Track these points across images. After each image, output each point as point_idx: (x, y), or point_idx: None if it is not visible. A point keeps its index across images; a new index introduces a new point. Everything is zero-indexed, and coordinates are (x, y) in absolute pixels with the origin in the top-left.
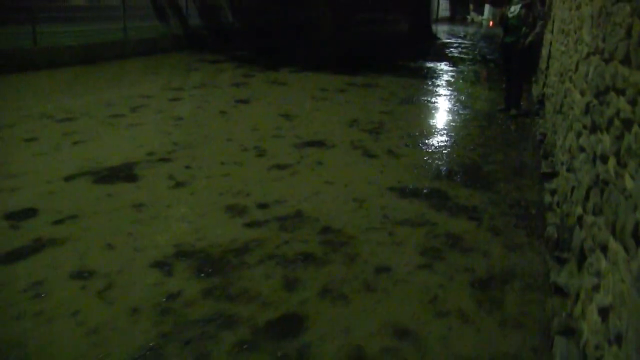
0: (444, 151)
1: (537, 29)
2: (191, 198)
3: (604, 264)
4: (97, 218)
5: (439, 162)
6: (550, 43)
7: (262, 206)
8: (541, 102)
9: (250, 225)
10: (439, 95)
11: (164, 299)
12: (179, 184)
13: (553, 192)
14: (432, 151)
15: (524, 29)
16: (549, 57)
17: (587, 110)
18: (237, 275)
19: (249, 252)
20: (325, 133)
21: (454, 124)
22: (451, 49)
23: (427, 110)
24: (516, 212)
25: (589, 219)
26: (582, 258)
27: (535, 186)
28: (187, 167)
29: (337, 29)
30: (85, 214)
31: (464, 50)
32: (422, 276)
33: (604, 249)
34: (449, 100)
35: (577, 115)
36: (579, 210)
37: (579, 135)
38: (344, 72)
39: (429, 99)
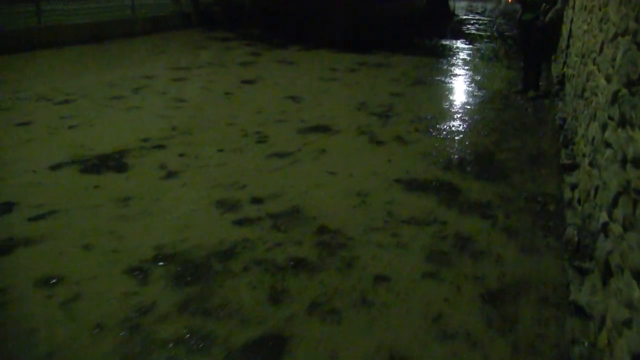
0: (456, 137)
1: (558, 5)
2: (182, 190)
3: (637, 294)
4: (78, 213)
5: (451, 150)
6: (572, 20)
7: (256, 201)
8: (561, 83)
9: (241, 223)
10: (454, 75)
11: (135, 313)
12: (170, 174)
13: (573, 187)
14: (444, 137)
15: (543, 5)
16: (570, 35)
17: (614, 100)
18: (218, 285)
19: (236, 257)
20: (331, 117)
21: (468, 106)
22: (468, 26)
23: (440, 91)
24: (533, 208)
25: (616, 229)
26: (607, 273)
27: (554, 178)
28: (182, 154)
29: (350, 5)
30: (66, 208)
31: (481, 27)
32: (427, 287)
33: (638, 276)
34: (463, 81)
35: (602, 103)
36: (603, 216)
37: (604, 127)
38: (355, 51)
39: (443, 79)
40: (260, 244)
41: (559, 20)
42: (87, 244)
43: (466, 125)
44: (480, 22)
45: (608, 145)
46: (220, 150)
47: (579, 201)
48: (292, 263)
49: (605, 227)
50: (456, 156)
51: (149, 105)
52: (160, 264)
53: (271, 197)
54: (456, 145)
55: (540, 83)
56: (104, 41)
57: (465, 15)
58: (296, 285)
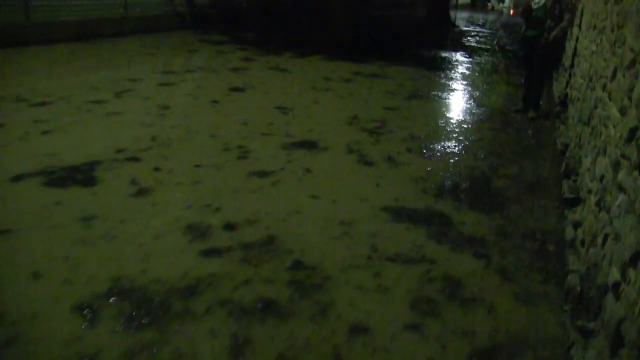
0: (450, 160)
1: (564, 23)
2: (151, 211)
3: None
4: (34, 235)
5: (444, 174)
6: (577, 38)
7: (230, 227)
8: (563, 104)
9: (209, 254)
10: (451, 89)
11: None
12: (141, 192)
13: (576, 225)
14: (437, 159)
15: (548, 21)
16: (575, 54)
17: (631, 138)
18: (175, 330)
19: (198, 295)
20: (320, 131)
21: (464, 125)
22: (468, 38)
23: (436, 107)
24: (531, 247)
25: (630, 294)
26: (617, 343)
27: (555, 212)
28: (157, 169)
29: (350, 12)
30: (21, 228)
31: (481, 39)
32: (408, 342)
33: None
34: (461, 96)
35: (614, 138)
36: (614, 273)
37: (616, 166)
38: (351, 59)
39: (440, 93)
40: (227, 280)
41: (563, 37)
42: (37, 272)
43: (462, 146)
44: (481, 34)
45: (622, 189)
46: (198, 166)
47: (582, 243)
48: (260, 306)
49: (616, 288)
50: (450, 182)
51: (130, 111)
52: (114, 300)
53: (246, 224)
54: (450, 168)
55: (541, 102)
56: (94, 40)
57: (466, 26)
58: (262, 334)
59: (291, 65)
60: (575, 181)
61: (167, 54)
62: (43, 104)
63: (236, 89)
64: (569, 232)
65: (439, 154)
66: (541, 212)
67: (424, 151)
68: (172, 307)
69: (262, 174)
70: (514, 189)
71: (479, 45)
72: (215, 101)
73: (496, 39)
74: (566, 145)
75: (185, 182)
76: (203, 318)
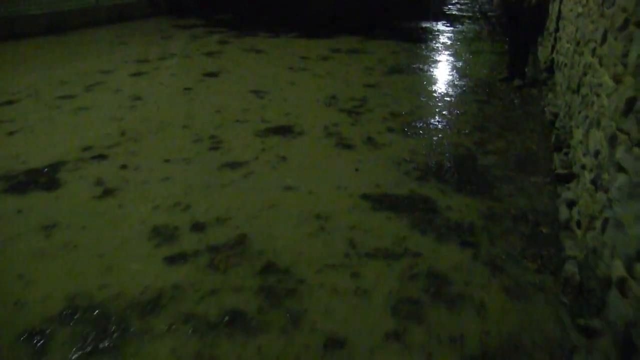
0: (434, 137)
1: None
2: (115, 214)
3: None
4: None
5: (428, 154)
6: (561, 0)
7: (198, 228)
8: (549, 70)
9: (174, 260)
10: (433, 61)
11: None
12: (106, 193)
13: (571, 204)
14: (420, 137)
15: None
16: (559, 17)
17: (628, 109)
18: (132, 353)
19: (160, 310)
20: (297, 115)
21: (448, 98)
22: (449, 6)
23: (418, 81)
24: (522, 231)
25: (639, 291)
26: (628, 350)
27: (547, 189)
28: (124, 166)
29: None
30: None
31: (463, 6)
32: (390, 355)
33: None
34: (444, 68)
35: (608, 109)
36: (619, 267)
37: (612, 140)
38: (329, 36)
39: (422, 66)
40: (192, 291)
41: (546, 1)
42: None
43: (445, 122)
44: (462, 1)
45: (621, 168)
46: (167, 161)
47: (578, 225)
48: (227, 319)
49: (622, 284)
50: (434, 162)
51: (100, 105)
52: (68, 322)
53: (215, 223)
54: (434, 147)
55: (527, 70)
56: (65, 33)
57: None
58: (228, 352)
59: (267, 46)
60: (567, 154)
61: (140, 43)
62: (9, 102)
63: (210, 74)
64: (563, 212)
65: (421, 131)
66: (532, 190)
67: (406, 129)
68: (132, 326)
69: (235, 165)
70: (502, 166)
71: (460, 13)
72: (188, 89)
73: (478, 6)
74: (555, 115)
75: (153, 179)
76: (165, 337)
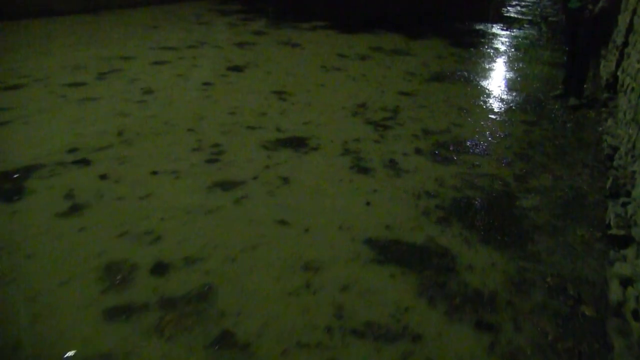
0: (467, 165)
1: None
2: (73, 240)
3: None
4: None
5: (456, 187)
6: (634, 11)
7: (160, 270)
8: (611, 88)
9: (116, 315)
10: (482, 69)
11: None
12: (73, 210)
13: (625, 282)
14: (451, 164)
15: None
16: (630, 30)
17: None
18: None
19: None
20: (317, 124)
21: (492, 116)
22: (508, 7)
23: (461, 92)
24: (558, 310)
25: None
26: None
27: (596, 247)
28: (104, 177)
29: None
30: None
31: (523, 8)
32: None
33: None
34: (492, 78)
35: None
36: None
37: None
38: (373, 32)
39: (467, 74)
40: None
41: (612, 9)
42: None
43: (484, 145)
44: (523, 3)
45: None
46: (155, 173)
47: (635, 315)
48: None
49: None
50: (462, 199)
51: (108, 96)
52: None
53: (183, 265)
54: (465, 178)
55: (585, 87)
56: (100, 12)
57: None
58: None
59: (305, 40)
60: (625, 206)
61: (173, 28)
62: (16, 87)
63: (235, 69)
64: (615, 291)
65: (454, 156)
66: (578, 249)
67: (436, 152)
68: None
69: (228, 185)
70: (544, 211)
71: (519, 16)
72: (207, 83)
73: (539, 9)
74: (614, 149)
75: (132, 196)
76: None
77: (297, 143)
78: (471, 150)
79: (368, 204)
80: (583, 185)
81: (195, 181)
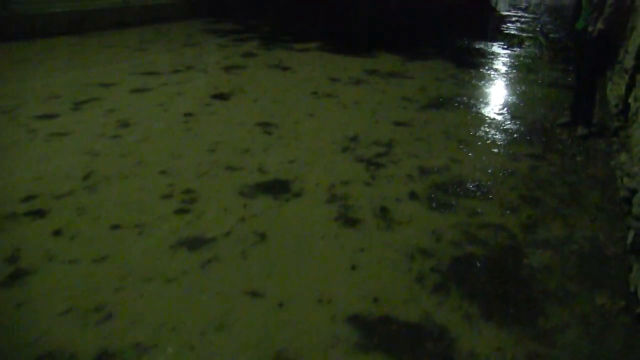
0: (468, 212)
1: (606, 13)
2: (8, 319)
3: None
4: None
5: (455, 243)
6: None
7: None
8: (622, 114)
9: None
10: (482, 94)
11: None
12: (13, 278)
13: None
14: (449, 212)
15: (591, 11)
16: None
17: None
18: None
19: None
20: (303, 163)
21: (494, 149)
22: (508, 24)
23: (460, 121)
24: None
25: None
26: None
27: (619, 322)
28: (58, 232)
29: None
30: None
31: (523, 25)
32: None
33: None
34: (493, 103)
35: None
36: None
37: None
38: (369, 53)
39: (467, 100)
40: None
41: (611, 31)
42: None
43: (487, 187)
44: (523, 19)
45: None
46: (116, 228)
47: None
48: None
49: None
50: (462, 258)
51: (81, 131)
52: None
53: (132, 355)
54: (465, 230)
55: (594, 114)
56: (86, 33)
57: (507, 10)
58: None
59: (296, 62)
60: None
61: (160, 50)
62: None
63: (220, 97)
64: None
65: (453, 201)
66: (597, 323)
67: (433, 196)
68: None
69: (196, 244)
70: (556, 271)
71: (519, 34)
72: (189, 114)
73: (539, 26)
74: (632, 192)
75: (85, 258)
76: None
77: (278, 187)
78: (472, 193)
79: (353, 267)
80: (600, 234)
81: (159, 238)
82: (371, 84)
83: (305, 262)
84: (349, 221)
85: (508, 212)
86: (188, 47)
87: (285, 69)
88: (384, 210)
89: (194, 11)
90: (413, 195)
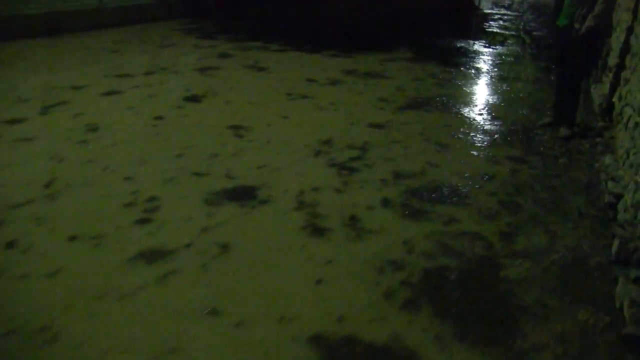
0: (443, 220)
1: (597, 9)
2: None
3: None
4: None
5: (428, 254)
6: (630, 29)
7: None
8: (606, 114)
9: None
10: (462, 94)
11: None
12: None
13: None
14: (424, 220)
15: (578, 9)
16: (627, 50)
17: None
18: None
19: None
20: (272, 168)
21: (473, 152)
22: (491, 22)
23: (439, 121)
24: None
25: None
26: None
27: (604, 345)
28: (11, 244)
29: None
30: None
31: (506, 23)
32: None
33: None
34: (474, 103)
35: None
36: None
37: None
38: (347, 54)
39: (447, 100)
40: None
41: (601, 29)
42: None
43: (464, 192)
44: (506, 17)
45: None
46: (72, 239)
47: None
48: None
49: None
50: (435, 272)
51: (47, 135)
52: None
53: None
54: (440, 240)
55: (577, 115)
56: (61, 35)
57: (490, 8)
58: None
59: (273, 62)
60: (638, 282)
61: (134, 52)
62: None
63: (193, 99)
64: None
65: (428, 208)
66: (579, 344)
67: (407, 204)
68: None
69: (154, 256)
70: (534, 285)
71: (501, 32)
72: (159, 117)
73: (522, 23)
74: (617, 197)
75: (37, 272)
76: None
77: (246, 194)
78: (448, 199)
79: (319, 282)
80: (583, 243)
81: (117, 250)
82: (348, 85)
83: (268, 276)
84: (317, 231)
85: (486, 219)
86: (163, 49)
87: (261, 69)
88: (354, 219)
89: (172, 12)
90: (386, 202)
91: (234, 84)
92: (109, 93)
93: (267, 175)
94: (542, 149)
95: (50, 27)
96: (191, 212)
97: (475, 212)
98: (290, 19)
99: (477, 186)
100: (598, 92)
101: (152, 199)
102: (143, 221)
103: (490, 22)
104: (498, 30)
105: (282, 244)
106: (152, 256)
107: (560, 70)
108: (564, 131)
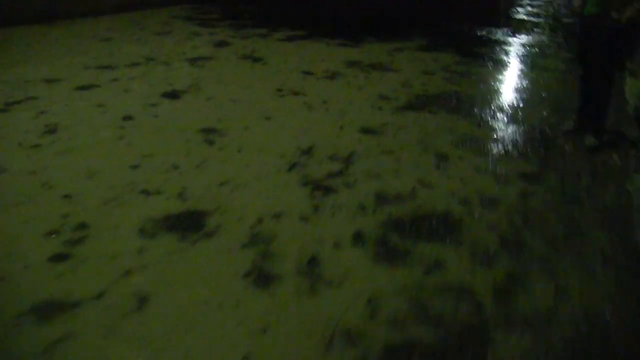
0: (424, 266)
1: None
2: None
3: None
4: None
5: (396, 321)
6: None
7: None
8: None
9: None
10: (475, 92)
11: None
12: None
13: None
14: (400, 266)
15: None
16: None
17: None
18: None
19: None
20: (234, 185)
21: (477, 167)
22: (518, 8)
23: (442, 127)
24: None
25: None
26: None
27: None
28: None
29: None
30: None
31: (534, 9)
32: None
33: None
34: (487, 105)
35: None
36: None
37: None
38: (355, 42)
39: (455, 99)
40: None
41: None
42: None
43: (457, 227)
44: (535, 2)
45: None
46: None
47: None
48: None
49: None
50: (398, 351)
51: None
52: None
53: None
54: (416, 297)
55: (606, 121)
56: (57, 21)
57: None
58: None
59: (272, 52)
60: None
61: (126, 40)
62: None
63: (171, 95)
64: None
65: (409, 247)
66: None
67: (384, 240)
68: None
69: (57, 310)
70: None
71: (528, 19)
72: (128, 117)
73: (552, 9)
74: None
75: None
76: None
77: (192, 223)
78: (436, 235)
79: (244, 359)
80: (605, 307)
81: (9, 301)
82: (347, 79)
83: (183, 347)
84: (263, 279)
85: (479, 266)
86: (158, 36)
87: (256, 60)
88: (313, 262)
89: None
90: (358, 238)
91: (222, 77)
92: (84, 87)
93: (225, 196)
94: (561, 163)
95: (44, 13)
96: (120, 247)
97: (468, 254)
98: (303, 4)
99: (475, 216)
100: (634, 90)
101: (82, 226)
102: (59, 258)
103: (517, 8)
104: (524, 17)
105: (214, 299)
106: (48, 311)
107: (586, 65)
108: (589, 140)
